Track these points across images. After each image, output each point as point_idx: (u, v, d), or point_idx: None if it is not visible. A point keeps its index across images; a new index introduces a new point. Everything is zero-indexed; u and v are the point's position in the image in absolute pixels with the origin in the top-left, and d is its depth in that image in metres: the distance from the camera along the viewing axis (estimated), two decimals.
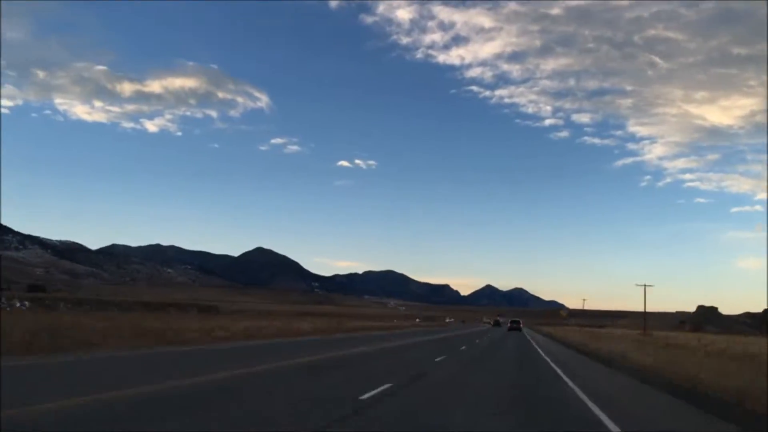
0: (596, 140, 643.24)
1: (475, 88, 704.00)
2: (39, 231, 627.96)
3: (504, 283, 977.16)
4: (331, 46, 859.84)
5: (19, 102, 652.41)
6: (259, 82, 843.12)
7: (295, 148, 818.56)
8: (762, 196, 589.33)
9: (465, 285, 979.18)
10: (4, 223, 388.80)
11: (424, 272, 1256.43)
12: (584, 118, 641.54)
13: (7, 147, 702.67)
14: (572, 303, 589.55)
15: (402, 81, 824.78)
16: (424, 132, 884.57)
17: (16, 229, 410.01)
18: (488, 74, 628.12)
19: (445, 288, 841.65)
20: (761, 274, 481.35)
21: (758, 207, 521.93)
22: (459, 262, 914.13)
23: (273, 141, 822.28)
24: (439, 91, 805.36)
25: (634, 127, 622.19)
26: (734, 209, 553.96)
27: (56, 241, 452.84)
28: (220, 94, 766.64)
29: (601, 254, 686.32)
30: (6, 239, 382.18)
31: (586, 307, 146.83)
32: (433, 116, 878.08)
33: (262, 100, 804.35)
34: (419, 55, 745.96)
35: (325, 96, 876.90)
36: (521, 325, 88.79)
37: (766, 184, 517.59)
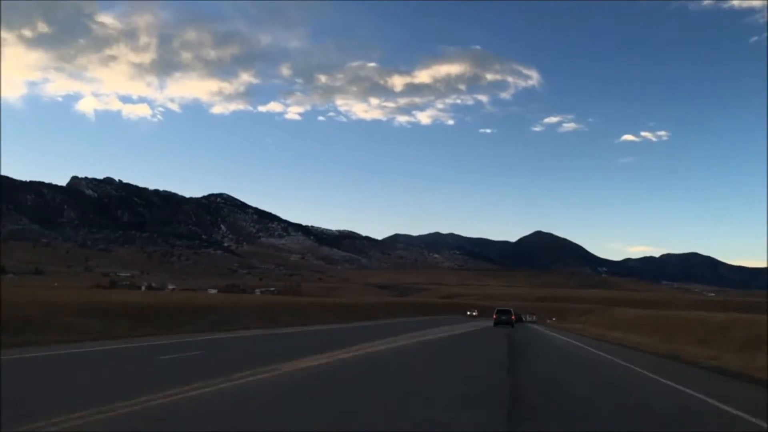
0: None
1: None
2: (313, 221, 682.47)
3: None
4: (595, 8, 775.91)
5: (308, 107, 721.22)
6: (526, 59, 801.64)
7: (571, 125, 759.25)
8: None
9: (742, 262, 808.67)
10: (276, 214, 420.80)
11: (738, 254, 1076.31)
12: None
13: (302, 149, 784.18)
14: None
15: (687, 35, 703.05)
16: (716, 92, 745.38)
17: (289, 219, 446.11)
18: None
19: (765, 271, 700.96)
20: None
21: None
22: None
23: (546, 120, 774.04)
24: (735, 40, 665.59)
25: None
26: None
27: (335, 231, 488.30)
28: (489, 76, 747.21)
29: None
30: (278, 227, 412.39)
31: None
32: (727, 73, 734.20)
33: (533, 77, 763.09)
34: (707, 2, 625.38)
35: (599, 64, 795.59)
36: None
37: None
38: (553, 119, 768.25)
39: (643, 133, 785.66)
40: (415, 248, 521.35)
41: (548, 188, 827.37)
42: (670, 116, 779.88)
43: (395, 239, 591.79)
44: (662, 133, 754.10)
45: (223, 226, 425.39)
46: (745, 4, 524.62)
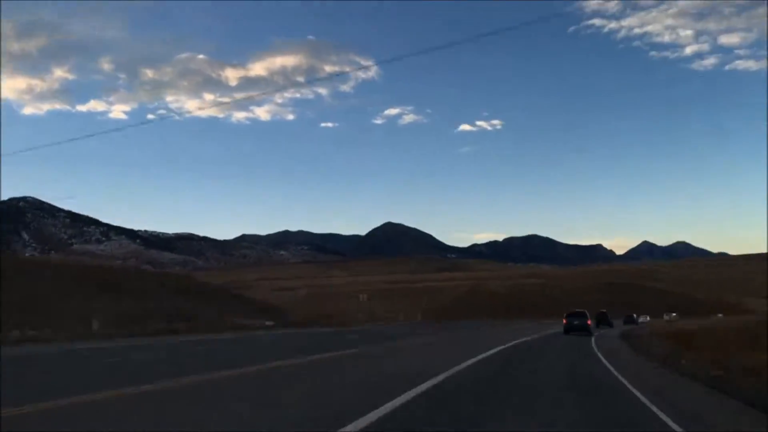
0: (751, 63, 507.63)
1: (597, 21, 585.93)
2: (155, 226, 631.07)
3: (663, 238, 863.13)
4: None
5: (135, 105, 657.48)
6: (363, 49, 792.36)
7: (410, 117, 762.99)
8: None
9: (619, 244, 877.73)
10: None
11: (572, 234, 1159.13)
12: (734, 40, 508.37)
13: (131, 149, 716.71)
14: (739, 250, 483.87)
15: (513, 24, 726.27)
16: (545, 81, 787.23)
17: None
18: (612, 2, 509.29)
19: (596, 248, 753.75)
20: None
21: None
22: (610, 219, 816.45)
23: (387, 112, 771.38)
24: (557, 29, 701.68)
25: None
26: None
27: (172, 233, 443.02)
28: (327, 68, 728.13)
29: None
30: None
31: None
32: (552, 61, 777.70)
33: (371, 69, 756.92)
34: None
35: (433, 54, 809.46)
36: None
37: None
38: (393, 111, 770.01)
39: (478, 123, 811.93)
40: (262, 247, 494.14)
41: (395, 180, 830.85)
42: (502, 105, 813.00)
43: (242, 240, 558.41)
44: (496, 122, 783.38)
45: (25, 234, 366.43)
46: None
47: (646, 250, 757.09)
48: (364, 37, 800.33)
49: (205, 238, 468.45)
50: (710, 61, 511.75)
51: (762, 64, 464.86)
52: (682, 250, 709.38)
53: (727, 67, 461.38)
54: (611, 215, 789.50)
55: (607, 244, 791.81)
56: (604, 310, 65.96)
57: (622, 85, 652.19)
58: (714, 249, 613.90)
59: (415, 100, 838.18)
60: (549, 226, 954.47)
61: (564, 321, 42.20)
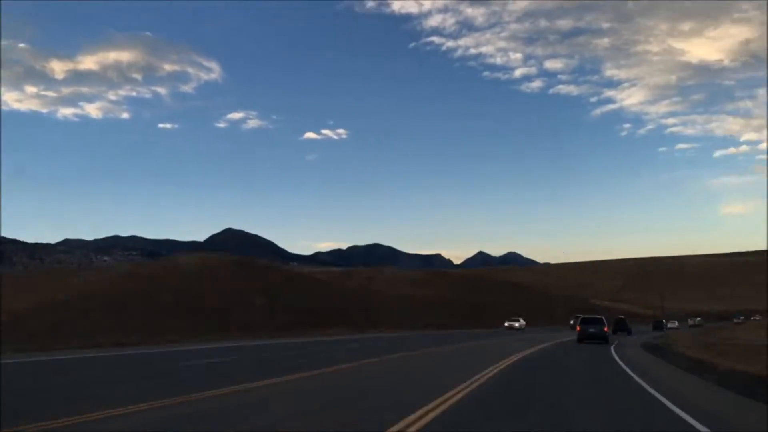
0: (572, 88, 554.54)
1: (436, 39, 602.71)
2: None
3: (497, 248, 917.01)
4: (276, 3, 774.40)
5: None
6: (206, 50, 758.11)
7: (255, 122, 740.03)
8: (750, 136, 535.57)
9: (456, 253, 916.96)
10: None
11: (414, 244, 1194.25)
12: (558, 65, 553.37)
13: None
14: (562, 259, 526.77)
15: (356, 36, 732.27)
16: (388, 93, 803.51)
17: None
18: (450, 21, 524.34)
19: (435, 258, 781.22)
20: (748, 218, 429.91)
21: (744, 147, 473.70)
22: (449, 229, 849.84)
23: (230, 116, 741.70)
24: (397, 45, 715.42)
25: (612, 71, 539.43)
26: (719, 152, 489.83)
27: None
28: (167, 67, 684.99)
29: (588, 209, 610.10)
30: None
31: None
32: (395, 74, 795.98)
33: (214, 70, 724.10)
34: (370, 3, 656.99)
35: (278, 60, 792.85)
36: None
37: (756, 122, 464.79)
38: (237, 115, 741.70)
39: (324, 131, 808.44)
40: (84, 252, 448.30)
41: (237, 185, 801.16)
42: (348, 115, 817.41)
43: (65, 244, 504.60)
44: (341, 131, 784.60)
45: None
46: (404, 10, 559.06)
47: (481, 259, 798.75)
48: (207, 38, 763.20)
49: (14, 241, 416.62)
50: (537, 84, 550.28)
51: (583, 89, 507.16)
52: (512, 260, 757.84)
53: (551, 91, 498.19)
54: (449, 225, 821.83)
55: (446, 254, 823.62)
56: (623, 317, 61.31)
57: (460, 102, 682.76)
58: (540, 259, 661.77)
59: (260, 105, 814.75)
60: (391, 235, 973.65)
61: (578, 328, 37.80)
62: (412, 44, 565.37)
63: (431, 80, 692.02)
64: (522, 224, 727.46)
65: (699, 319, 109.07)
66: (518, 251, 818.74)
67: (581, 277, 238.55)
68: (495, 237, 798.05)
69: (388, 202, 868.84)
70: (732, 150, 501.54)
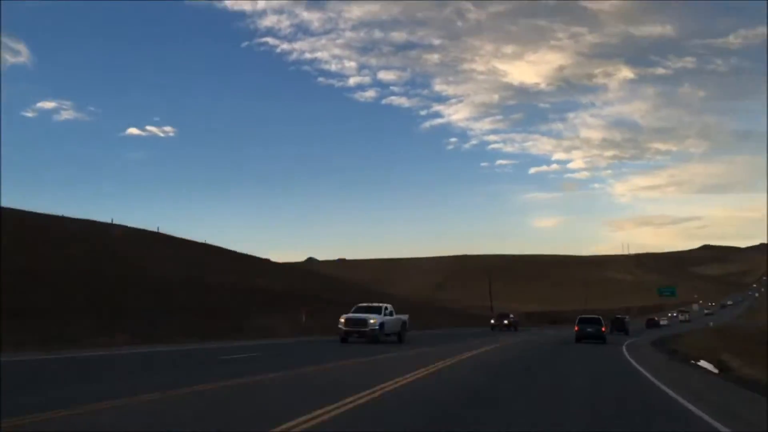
0: (404, 100, 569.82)
1: (270, 39, 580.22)
2: None
3: (326, 254, 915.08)
4: None
5: None
6: (12, 28, 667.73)
7: (70, 113, 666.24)
8: (560, 156, 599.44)
9: (287, 258, 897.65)
10: None
11: (244, 245, 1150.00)
12: (391, 76, 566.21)
13: None
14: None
15: (182, 30, 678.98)
16: (219, 92, 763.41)
17: None
18: (285, 23, 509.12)
19: (265, 262, 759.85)
20: (558, 232, 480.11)
21: (555, 166, 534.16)
22: (277, 234, 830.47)
23: (40, 105, 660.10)
24: (229, 43, 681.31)
25: (441, 86, 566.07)
26: (533, 170, 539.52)
27: None
28: None
29: (416, 220, 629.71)
30: None
31: None
32: (226, 75, 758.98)
33: (22, 53, 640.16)
34: None
35: (98, 49, 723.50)
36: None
37: (566, 143, 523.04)
38: (48, 104, 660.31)
39: (149, 128, 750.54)
40: None
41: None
42: (176, 113, 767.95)
43: None
44: (169, 128, 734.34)
45: None
46: (237, 7, 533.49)
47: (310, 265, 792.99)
48: (14, 16, 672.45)
49: None
50: (371, 94, 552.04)
51: (413, 102, 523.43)
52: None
53: (384, 101, 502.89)
54: (278, 230, 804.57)
55: (275, 258, 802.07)
56: (620, 316, 63.22)
57: (294, 106, 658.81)
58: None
59: (75, 95, 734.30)
60: (222, 235, 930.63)
61: (576, 328, 38.66)
62: (245, 43, 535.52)
63: (265, 82, 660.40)
64: (352, 230, 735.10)
65: (688, 314, 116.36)
66: (346, 257, 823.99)
67: (396, 273, 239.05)
68: (324, 243, 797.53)
69: (220, 203, 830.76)
70: (545, 168, 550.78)
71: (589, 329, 37.60)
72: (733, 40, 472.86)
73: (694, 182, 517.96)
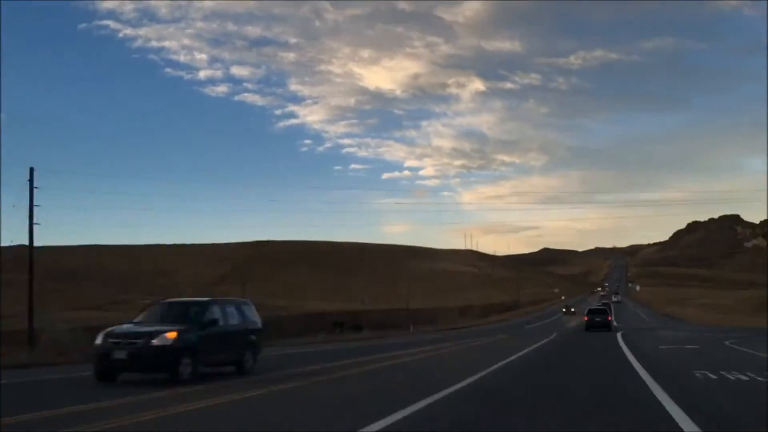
0: (257, 98, 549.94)
1: (112, 23, 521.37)
2: None
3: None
4: None
5: None
6: None
7: None
8: (412, 163, 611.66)
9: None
10: None
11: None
12: (245, 72, 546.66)
13: None
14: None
15: (11, 9, 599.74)
16: (53, 78, 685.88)
17: None
18: (129, 6, 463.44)
19: None
20: (407, 238, 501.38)
21: (407, 173, 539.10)
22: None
23: None
24: (64, 23, 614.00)
25: (296, 86, 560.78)
26: (386, 175, 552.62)
27: None
28: None
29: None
30: None
31: None
32: (60, 58, 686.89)
33: None
34: None
35: None
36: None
37: (419, 150, 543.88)
38: None
39: None
40: None
41: None
42: (2, 96, 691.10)
43: None
44: None
45: None
46: None
47: None
48: None
49: None
50: (222, 89, 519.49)
51: (267, 100, 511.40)
52: None
53: (236, 98, 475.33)
54: None
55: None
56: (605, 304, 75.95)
57: (138, 97, 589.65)
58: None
59: None
60: (53, 233, 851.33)
61: (585, 318, 46.13)
62: (83, 25, 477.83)
63: (105, 69, 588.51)
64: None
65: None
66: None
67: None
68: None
69: (52, 195, 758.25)
70: (397, 174, 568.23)
71: (597, 319, 44.12)
72: (574, 60, 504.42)
73: (534, 193, 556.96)
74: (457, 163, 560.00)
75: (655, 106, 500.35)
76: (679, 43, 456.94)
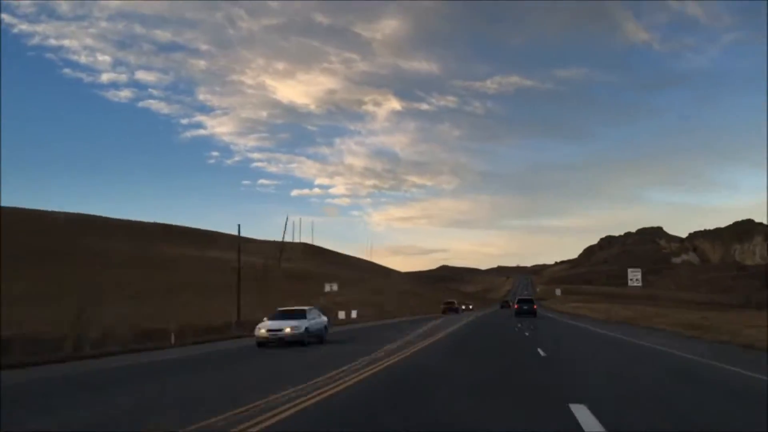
0: (163, 105, 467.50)
1: (6, 17, 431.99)
2: None
3: None
4: None
5: None
6: None
7: None
8: (323, 180, 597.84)
9: None
10: None
11: None
12: (151, 78, 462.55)
13: None
14: None
15: None
16: None
17: None
18: (26, 1, 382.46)
19: None
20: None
21: (317, 190, 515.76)
22: None
23: None
24: None
25: (205, 96, 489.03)
26: (295, 192, 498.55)
27: None
28: None
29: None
30: None
31: None
32: None
33: None
34: None
35: None
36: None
37: (331, 168, 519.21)
38: None
39: None
40: None
41: None
42: None
43: None
44: None
45: None
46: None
47: None
48: None
49: None
50: (126, 94, 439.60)
51: (174, 108, 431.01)
52: None
53: (141, 104, 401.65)
54: None
55: None
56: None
57: (33, 98, 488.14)
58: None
59: None
60: None
61: (515, 306, 58.83)
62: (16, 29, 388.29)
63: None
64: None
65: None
66: None
67: None
68: None
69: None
70: (306, 191, 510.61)
71: (525, 307, 56.10)
72: (490, 85, 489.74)
73: (443, 217, 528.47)
74: (369, 182, 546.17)
75: (563, 134, 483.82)
76: (590, 73, 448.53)
